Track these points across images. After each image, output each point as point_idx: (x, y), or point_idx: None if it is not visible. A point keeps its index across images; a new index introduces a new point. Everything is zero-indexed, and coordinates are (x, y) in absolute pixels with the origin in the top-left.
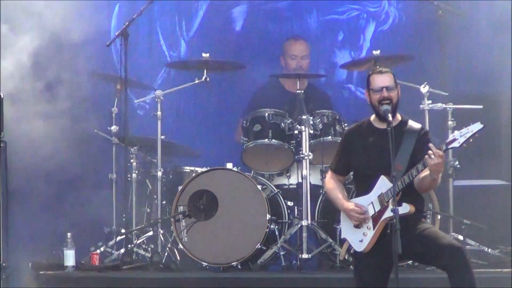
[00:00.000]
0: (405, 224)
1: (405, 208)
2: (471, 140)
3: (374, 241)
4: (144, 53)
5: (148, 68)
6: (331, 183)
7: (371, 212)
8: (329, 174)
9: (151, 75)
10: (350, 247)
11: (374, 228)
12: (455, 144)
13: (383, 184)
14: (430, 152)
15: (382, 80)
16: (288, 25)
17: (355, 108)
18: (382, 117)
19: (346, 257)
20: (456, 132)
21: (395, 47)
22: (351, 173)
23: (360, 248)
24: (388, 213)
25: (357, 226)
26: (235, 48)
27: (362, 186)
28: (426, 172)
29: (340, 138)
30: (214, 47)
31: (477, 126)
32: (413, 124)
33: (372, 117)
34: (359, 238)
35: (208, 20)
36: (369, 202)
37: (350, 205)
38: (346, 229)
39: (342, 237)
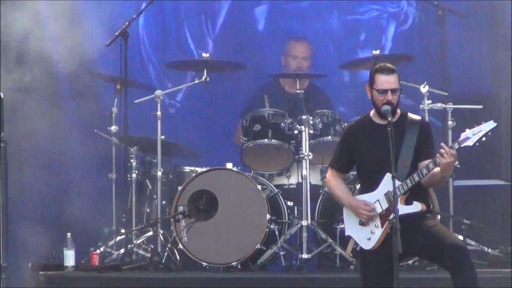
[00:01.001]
0: (412, 220)
1: (417, 207)
2: (483, 139)
3: (382, 239)
4: (173, 52)
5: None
6: (333, 180)
7: (378, 210)
8: (329, 172)
9: (180, 74)
10: (355, 244)
11: (382, 226)
12: (468, 143)
13: (389, 181)
14: (442, 151)
15: (388, 81)
16: (311, 25)
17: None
18: (382, 115)
19: (351, 255)
20: (468, 130)
21: (415, 46)
22: (352, 171)
23: (368, 246)
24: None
25: (363, 224)
26: (259, 47)
27: (367, 182)
28: (435, 170)
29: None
30: (238, 46)
31: (490, 125)
32: (413, 117)
33: (372, 112)
34: (367, 236)
35: (231, 20)
36: (375, 199)
37: (359, 202)
38: (351, 227)
39: (346, 234)
